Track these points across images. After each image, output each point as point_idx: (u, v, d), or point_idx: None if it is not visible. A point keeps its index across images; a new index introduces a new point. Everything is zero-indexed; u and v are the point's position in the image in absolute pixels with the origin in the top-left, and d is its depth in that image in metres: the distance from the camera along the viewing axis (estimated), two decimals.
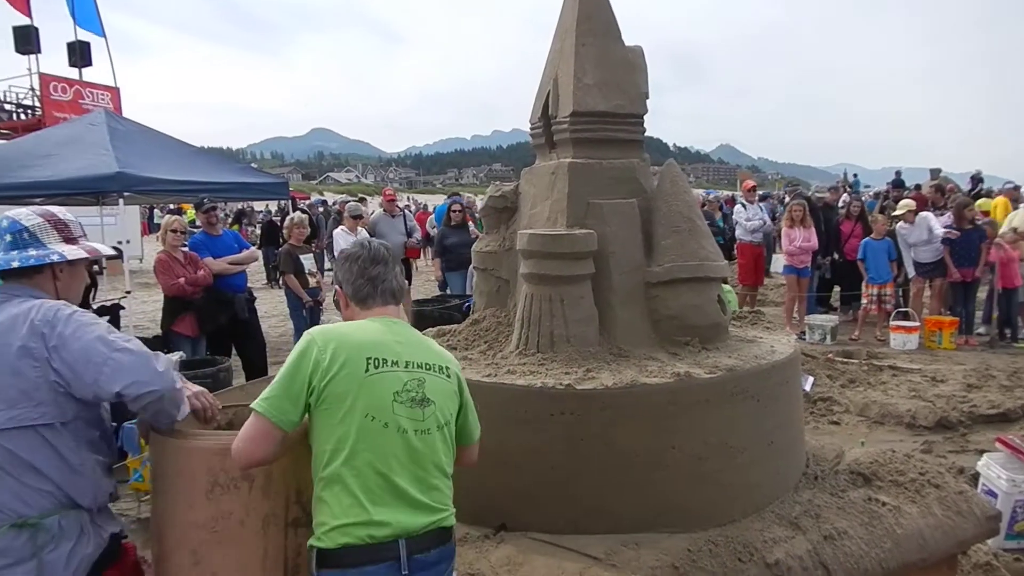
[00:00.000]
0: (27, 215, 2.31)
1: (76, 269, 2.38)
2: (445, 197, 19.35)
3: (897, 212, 10.69)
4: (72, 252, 2.30)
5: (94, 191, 9.01)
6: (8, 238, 2.24)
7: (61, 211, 2.39)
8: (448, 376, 2.23)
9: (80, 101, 21.55)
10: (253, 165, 21.27)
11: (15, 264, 2.19)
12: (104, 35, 22.95)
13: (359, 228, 9.90)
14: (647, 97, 3.59)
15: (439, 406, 2.15)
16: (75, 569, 2.12)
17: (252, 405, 2.04)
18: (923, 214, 10.57)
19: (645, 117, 3.59)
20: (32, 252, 2.24)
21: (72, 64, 22.58)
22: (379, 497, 2.01)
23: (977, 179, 18.82)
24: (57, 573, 2.08)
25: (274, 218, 20.05)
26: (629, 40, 3.56)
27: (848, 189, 22.35)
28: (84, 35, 22.64)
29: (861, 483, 3.43)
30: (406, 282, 2.29)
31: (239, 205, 27.03)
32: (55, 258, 2.25)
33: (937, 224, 10.21)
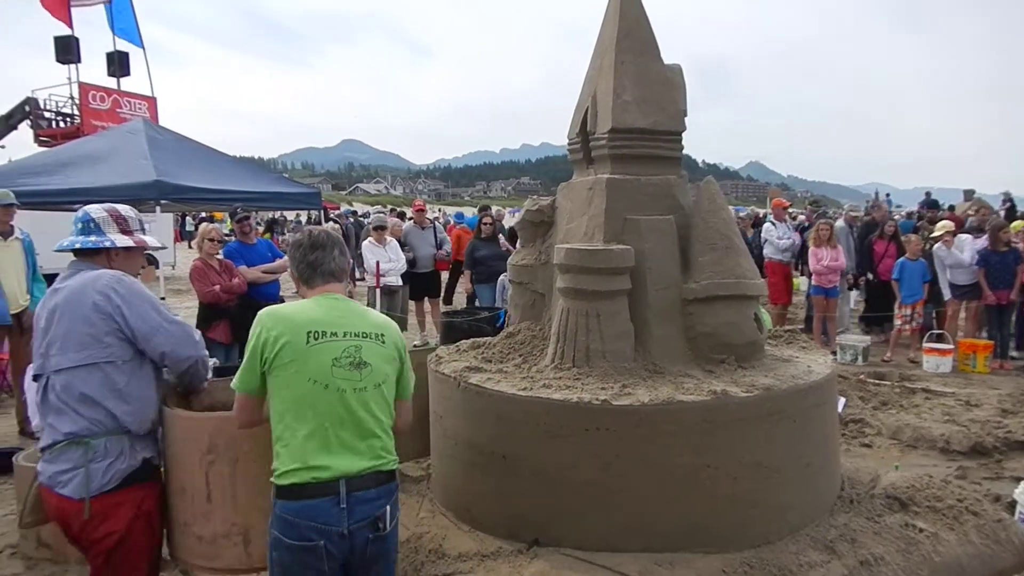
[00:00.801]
0: (96, 209, 2.89)
1: (130, 255, 2.93)
2: (476, 210, 19.40)
3: (936, 233, 10.57)
4: (122, 240, 2.86)
5: (131, 199, 9.17)
6: (80, 225, 2.84)
7: (124, 208, 2.97)
8: (383, 342, 2.56)
9: (118, 110, 21.97)
10: (284, 175, 21.53)
11: (78, 245, 2.81)
12: (142, 45, 23.41)
13: (387, 238, 9.94)
14: (685, 115, 3.59)
15: (375, 368, 2.50)
16: (110, 478, 2.64)
17: (232, 384, 2.53)
18: (961, 236, 10.44)
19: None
20: (92, 238, 2.82)
21: (111, 74, 23.04)
22: (323, 447, 2.40)
23: (1007, 200, 18.52)
24: (97, 479, 2.62)
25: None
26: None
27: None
28: (123, 45, 23.12)
29: (898, 508, 3.38)
30: (348, 261, 2.86)
31: (271, 214, 27.35)
32: (107, 244, 2.82)
33: (969, 248, 10.11)
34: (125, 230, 2.90)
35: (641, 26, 3.54)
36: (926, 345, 10.08)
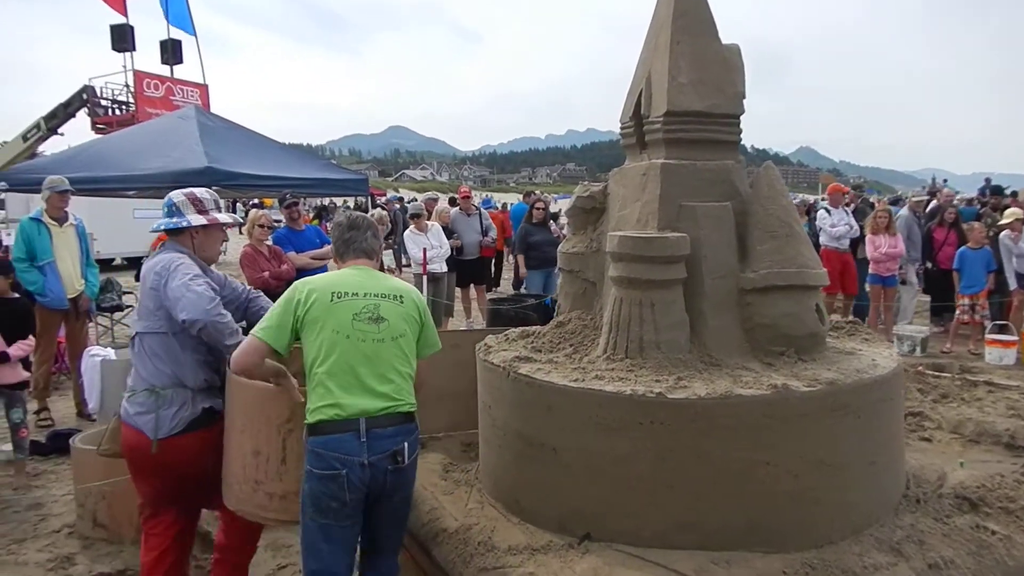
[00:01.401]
0: (177, 194, 3.34)
1: (208, 232, 3.37)
2: (519, 197, 19.24)
3: (1004, 220, 10.17)
4: (197, 220, 3.29)
5: (183, 185, 9.28)
6: (165, 209, 3.31)
7: (200, 191, 3.42)
8: (401, 302, 2.92)
9: (171, 98, 22.36)
10: (332, 161, 21.69)
11: (162, 227, 3.30)
12: (195, 34, 23.77)
13: (428, 224, 9.91)
14: (744, 97, 3.45)
15: (392, 323, 2.86)
16: (175, 424, 3.09)
17: (252, 332, 2.83)
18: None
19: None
20: (174, 219, 3.28)
21: (164, 62, 23.45)
22: (345, 388, 2.74)
23: None
24: (165, 424, 3.07)
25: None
26: None
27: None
28: (176, 34, 23.49)
29: (968, 509, 3.22)
30: (381, 243, 3.26)
31: (320, 201, 27.62)
32: (184, 224, 3.26)
33: None
34: (201, 210, 3.33)
35: (698, 4, 3.40)
36: (989, 336, 9.72)
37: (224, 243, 4.18)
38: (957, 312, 10.41)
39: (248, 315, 3.57)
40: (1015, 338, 9.60)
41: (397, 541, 2.97)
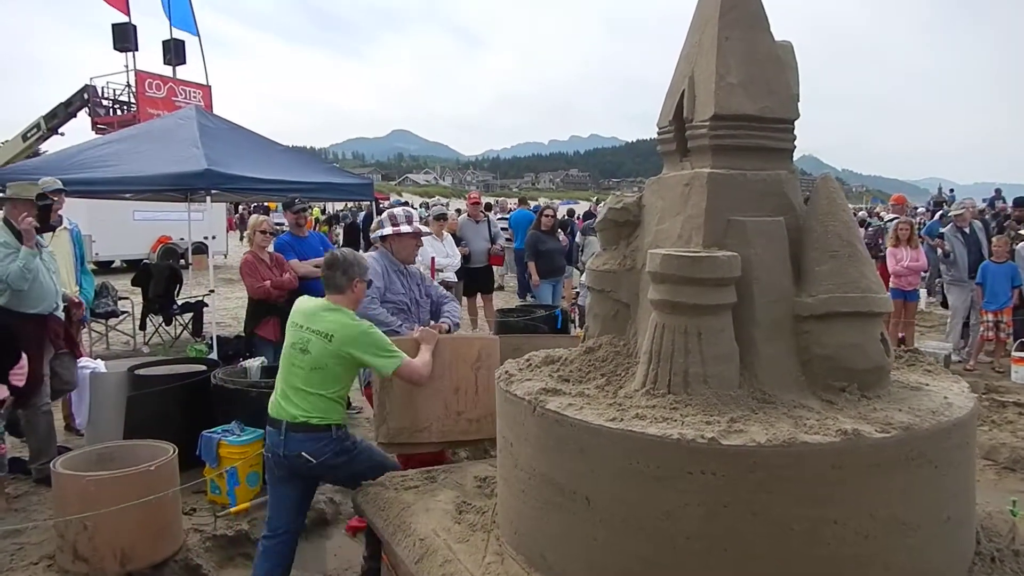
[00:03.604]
0: (386, 211, 5.21)
1: (400, 239, 5.02)
2: (516, 202, 18.91)
3: None
4: (389, 231, 5.01)
5: (182, 188, 8.93)
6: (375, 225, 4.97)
7: (397, 209, 5.20)
8: (330, 341, 3.72)
9: (173, 98, 22.07)
10: (335, 165, 21.34)
11: (376, 235, 5.17)
12: (198, 34, 23.48)
13: (444, 233, 9.53)
14: (798, 100, 3.09)
15: (314, 357, 3.73)
16: None
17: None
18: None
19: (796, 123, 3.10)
20: (379, 231, 5.08)
21: (167, 62, 23.16)
22: (281, 396, 3.82)
23: None
24: None
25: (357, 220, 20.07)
26: None
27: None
28: (179, 34, 23.19)
29: None
30: (351, 277, 3.92)
31: (335, 209, 27.21)
32: (380, 234, 5.10)
33: None
34: (394, 224, 5.03)
35: None
36: (1015, 354, 9.37)
37: (418, 247, 5.27)
38: (981, 329, 10.06)
39: (439, 313, 5.13)
40: None
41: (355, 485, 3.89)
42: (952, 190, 38.08)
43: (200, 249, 16.06)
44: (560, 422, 2.67)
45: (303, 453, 3.67)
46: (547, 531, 2.76)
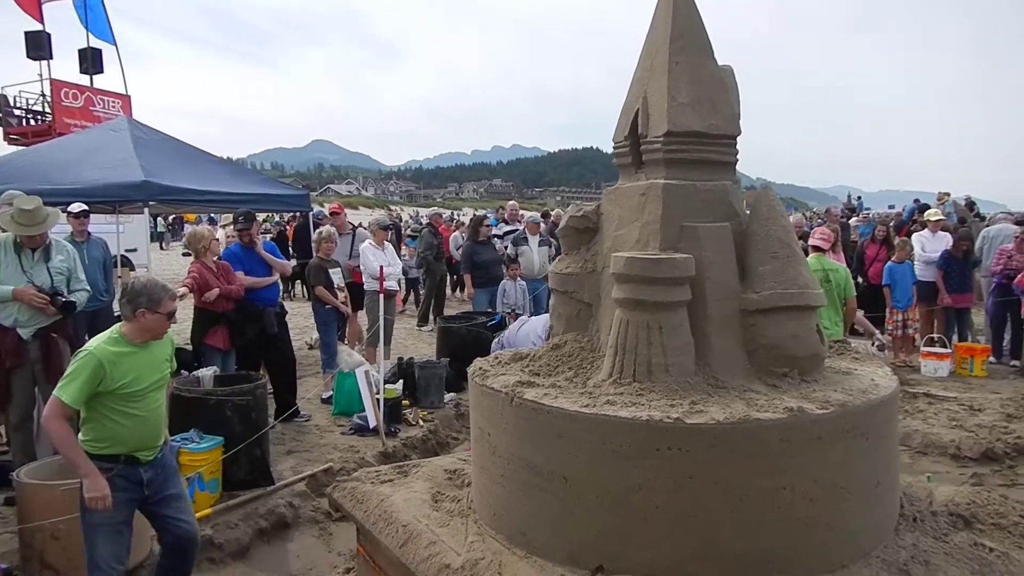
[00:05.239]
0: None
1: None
2: (473, 211, 18.88)
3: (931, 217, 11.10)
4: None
5: (119, 199, 8.85)
6: None
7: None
8: None
9: (91, 108, 21.39)
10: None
11: None
12: (115, 43, 22.84)
13: (384, 243, 9.63)
14: (739, 118, 3.45)
15: None
16: None
17: None
18: (916, 235, 10.70)
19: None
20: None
21: (83, 71, 22.42)
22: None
23: (971, 204, 18.71)
24: None
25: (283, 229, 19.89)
26: None
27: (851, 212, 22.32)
28: (95, 43, 22.53)
29: (962, 526, 3.27)
30: (135, 305, 3.84)
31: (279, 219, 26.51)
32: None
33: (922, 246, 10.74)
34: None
35: (695, 25, 3.39)
36: (924, 349, 10.09)
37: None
38: (889, 327, 10.78)
39: None
40: (948, 351, 10.00)
41: None
42: (860, 197, 40.05)
43: (125, 262, 15.69)
44: (537, 410, 2.94)
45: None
46: (526, 511, 3.02)
